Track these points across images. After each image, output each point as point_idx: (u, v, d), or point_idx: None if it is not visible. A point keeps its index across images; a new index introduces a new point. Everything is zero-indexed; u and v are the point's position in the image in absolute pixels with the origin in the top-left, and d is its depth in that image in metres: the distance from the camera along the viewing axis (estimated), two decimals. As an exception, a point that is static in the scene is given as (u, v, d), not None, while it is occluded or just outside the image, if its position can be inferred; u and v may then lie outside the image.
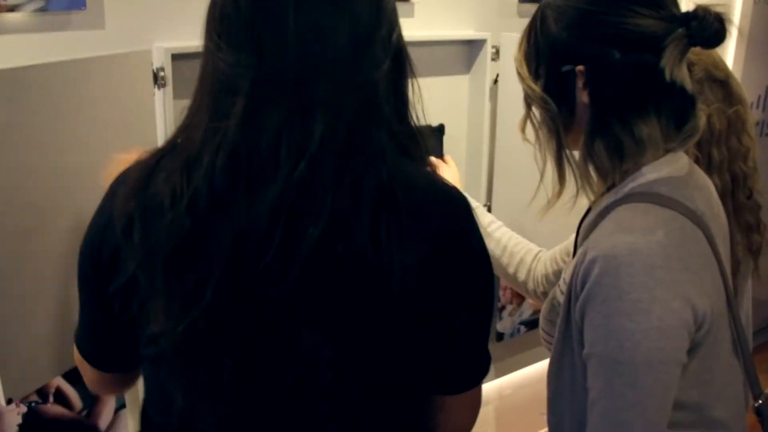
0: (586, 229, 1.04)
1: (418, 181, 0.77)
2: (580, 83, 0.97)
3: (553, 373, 1.01)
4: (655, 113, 0.96)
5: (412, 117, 0.82)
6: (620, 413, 0.86)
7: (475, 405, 0.93)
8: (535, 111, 1.05)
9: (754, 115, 2.33)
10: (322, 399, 0.78)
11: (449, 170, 1.71)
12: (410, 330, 0.78)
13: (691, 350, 0.90)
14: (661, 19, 0.93)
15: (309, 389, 0.77)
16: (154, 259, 0.72)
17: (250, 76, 0.70)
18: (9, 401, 1.15)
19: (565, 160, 1.03)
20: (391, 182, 0.73)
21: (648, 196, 0.95)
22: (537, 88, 1.02)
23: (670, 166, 0.98)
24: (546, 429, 2.49)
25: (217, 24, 0.74)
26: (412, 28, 1.91)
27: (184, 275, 0.72)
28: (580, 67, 0.97)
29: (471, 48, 2.02)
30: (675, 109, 0.97)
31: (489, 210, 2.10)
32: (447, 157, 1.77)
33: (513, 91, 1.95)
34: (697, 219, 0.94)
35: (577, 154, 1.03)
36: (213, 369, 0.75)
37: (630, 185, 0.98)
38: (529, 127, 1.09)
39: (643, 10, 0.94)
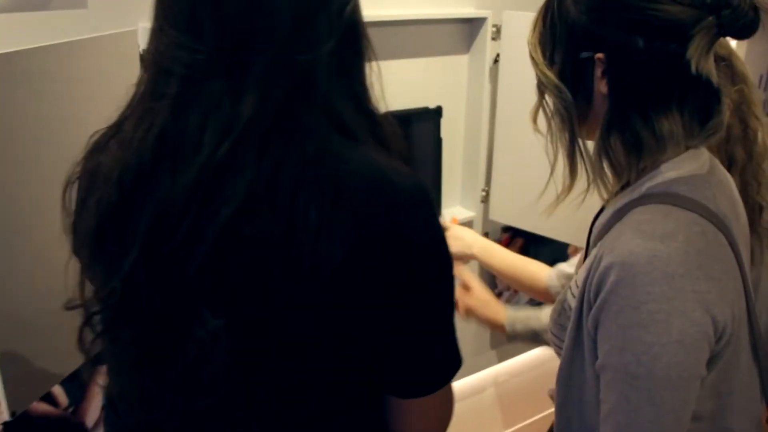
0: (599, 229, 0.98)
1: (355, 168, 0.73)
2: (598, 72, 0.90)
3: (563, 379, 0.95)
4: (678, 108, 0.89)
5: (370, 100, 0.79)
6: (635, 429, 0.81)
7: (441, 411, 0.86)
8: (548, 99, 0.97)
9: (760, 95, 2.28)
10: (214, 388, 0.75)
11: (464, 230, 1.65)
12: (337, 326, 0.75)
13: (710, 361, 0.85)
14: (690, 6, 0.86)
15: (201, 376, 0.74)
16: (84, 234, 0.77)
17: (186, 58, 0.70)
18: (13, 414, 1.10)
19: (578, 154, 0.96)
20: (317, 167, 0.70)
21: (667, 196, 0.89)
22: (552, 75, 0.94)
23: (691, 164, 0.92)
24: (542, 413, 2.47)
25: (162, 5, 0.74)
26: (409, 6, 1.83)
27: (108, 249, 0.75)
28: (599, 55, 0.89)
29: (470, 27, 1.94)
30: (699, 104, 0.90)
31: (487, 195, 2.04)
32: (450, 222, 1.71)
33: (514, 72, 1.90)
34: (718, 222, 0.89)
35: (591, 146, 0.96)
36: (115, 341, 0.79)
37: (647, 184, 0.91)
38: (541, 117, 1.01)
39: None
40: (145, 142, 0.71)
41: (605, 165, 0.93)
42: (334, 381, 0.80)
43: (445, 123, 1.97)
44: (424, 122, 1.94)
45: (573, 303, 0.93)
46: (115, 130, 0.78)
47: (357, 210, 0.71)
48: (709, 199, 0.90)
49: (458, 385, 2.29)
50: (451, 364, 0.83)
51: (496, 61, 1.93)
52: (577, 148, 0.95)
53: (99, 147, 0.78)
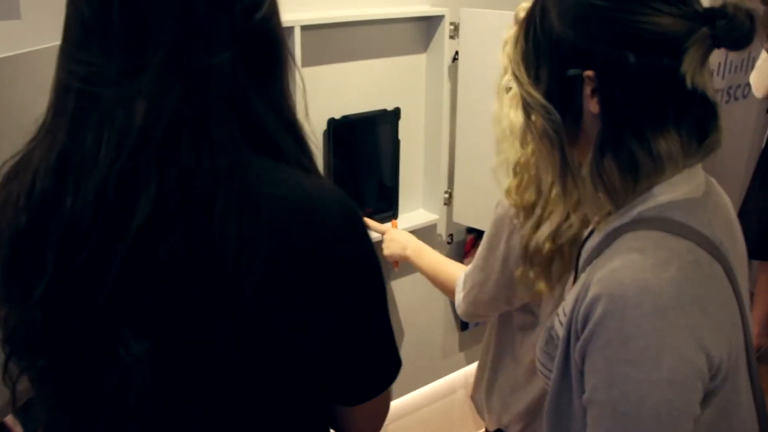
0: (589, 253, 0.92)
1: (275, 191, 0.72)
2: (588, 90, 0.84)
3: (551, 411, 0.91)
4: (675, 126, 0.83)
5: (291, 112, 0.78)
6: None
7: (378, 414, 0.89)
8: (535, 120, 0.90)
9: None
10: (141, 413, 0.74)
11: (400, 233, 1.71)
12: (264, 345, 0.74)
13: (706, 398, 0.80)
14: (683, 17, 0.80)
15: (127, 401, 0.73)
16: None
17: (81, 71, 0.70)
18: None
19: (570, 177, 0.89)
20: (230, 179, 0.69)
21: (659, 222, 0.83)
22: (538, 95, 0.87)
23: (686, 186, 0.86)
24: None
25: (64, 24, 0.74)
26: (363, 6, 1.78)
27: (23, 278, 0.73)
28: (588, 72, 0.83)
29: (427, 25, 1.90)
30: (696, 120, 0.85)
31: (450, 197, 2.00)
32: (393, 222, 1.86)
33: (474, 69, 1.86)
34: (715, 250, 0.84)
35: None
36: (41, 372, 0.76)
37: (639, 208, 0.86)
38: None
39: (661, 6, 0.81)
40: (48, 163, 0.70)
41: (599, 189, 0.87)
42: (269, 404, 0.79)
43: (404, 125, 1.92)
44: (382, 124, 1.89)
45: (561, 331, 0.89)
46: (25, 158, 0.75)
47: (276, 229, 0.71)
48: (704, 224, 0.85)
49: (429, 388, 2.27)
50: (390, 369, 0.85)
51: (455, 59, 1.89)
52: (568, 172, 0.89)
53: (9, 177, 0.76)
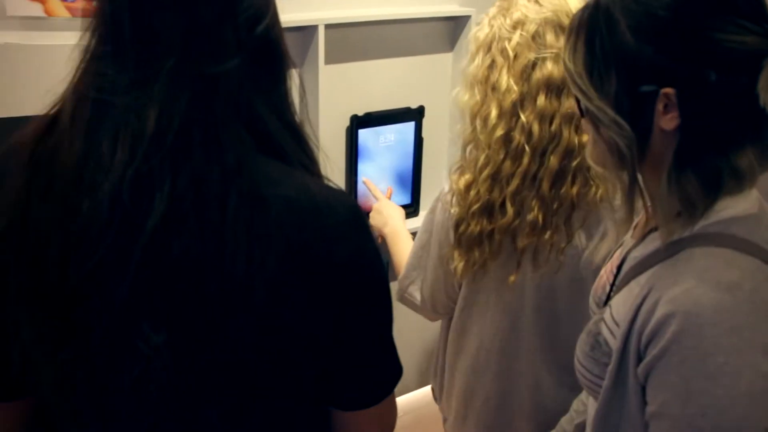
0: (638, 261, 0.92)
1: (283, 192, 0.75)
2: (660, 106, 0.82)
3: (599, 419, 0.92)
4: (751, 143, 0.83)
5: (291, 116, 0.81)
6: None
7: (383, 422, 0.89)
8: (604, 134, 0.88)
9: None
10: (160, 405, 0.77)
11: (389, 207, 1.65)
12: (275, 341, 0.76)
13: None
14: (764, 35, 0.80)
15: (147, 392, 0.76)
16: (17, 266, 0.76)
17: (96, 81, 0.73)
18: None
19: (638, 193, 0.88)
20: (240, 177, 0.72)
21: (726, 239, 0.83)
22: (610, 111, 0.85)
23: (745, 202, 0.86)
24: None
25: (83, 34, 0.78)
26: (392, 5, 1.79)
27: (39, 269, 0.74)
28: (667, 90, 0.81)
29: (454, 24, 1.90)
30: (764, 136, 0.84)
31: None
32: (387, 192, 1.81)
33: (500, 71, 1.86)
34: None
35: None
36: (51, 359, 0.78)
37: (701, 222, 0.85)
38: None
39: (748, 24, 0.80)
40: (65, 168, 0.73)
41: (675, 204, 0.86)
42: (279, 397, 0.81)
43: (429, 123, 1.93)
44: (406, 122, 1.91)
45: (611, 339, 0.90)
46: (45, 156, 0.77)
47: (283, 227, 0.73)
48: (766, 241, 0.85)
49: (425, 390, 2.25)
50: (391, 374, 0.86)
51: (480, 59, 1.89)
52: (637, 188, 0.89)
53: (27, 179, 0.77)
